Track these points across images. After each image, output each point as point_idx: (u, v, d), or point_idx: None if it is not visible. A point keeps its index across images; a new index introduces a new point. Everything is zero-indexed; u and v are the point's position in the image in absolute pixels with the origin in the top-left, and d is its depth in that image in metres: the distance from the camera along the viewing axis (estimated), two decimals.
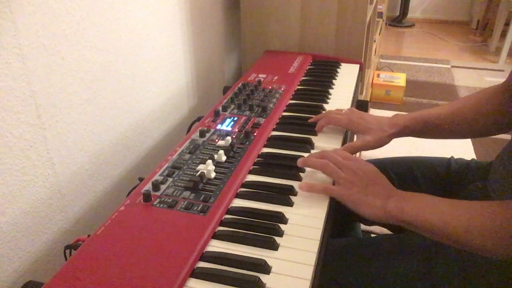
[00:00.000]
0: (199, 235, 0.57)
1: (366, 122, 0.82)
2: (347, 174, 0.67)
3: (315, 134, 0.86)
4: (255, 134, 0.82)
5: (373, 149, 0.81)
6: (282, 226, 0.60)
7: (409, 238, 0.73)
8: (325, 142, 0.83)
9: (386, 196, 0.64)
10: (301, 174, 0.72)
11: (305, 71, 1.18)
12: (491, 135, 0.82)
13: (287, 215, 0.62)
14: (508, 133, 0.80)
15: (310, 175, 0.73)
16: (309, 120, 0.89)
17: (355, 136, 0.88)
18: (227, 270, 0.53)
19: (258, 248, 0.56)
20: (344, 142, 0.84)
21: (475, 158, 0.95)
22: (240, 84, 1.05)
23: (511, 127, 0.79)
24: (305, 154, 0.78)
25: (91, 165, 0.82)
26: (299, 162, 0.72)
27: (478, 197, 0.78)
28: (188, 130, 0.97)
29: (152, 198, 0.64)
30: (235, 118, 0.88)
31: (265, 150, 0.80)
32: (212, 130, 0.84)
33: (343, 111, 0.87)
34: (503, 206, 0.57)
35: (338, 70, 1.20)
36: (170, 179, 0.68)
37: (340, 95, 1.05)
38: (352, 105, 1.02)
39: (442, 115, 0.82)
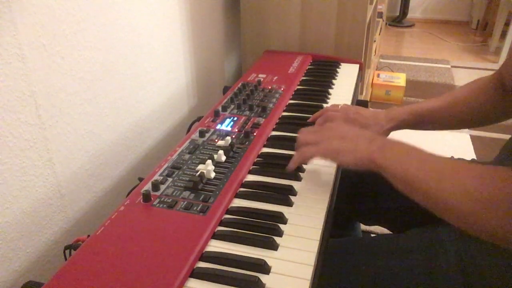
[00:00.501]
0: (199, 235, 0.57)
1: (363, 117, 0.82)
2: (324, 133, 0.67)
3: None
4: (254, 134, 0.82)
5: None
6: (282, 226, 0.60)
7: (409, 238, 0.73)
8: None
9: (368, 141, 0.62)
10: (300, 174, 0.72)
11: (305, 71, 1.18)
12: (486, 125, 0.83)
13: (287, 215, 0.62)
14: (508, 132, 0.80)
15: (310, 175, 0.73)
16: (308, 120, 0.89)
17: None
18: (226, 270, 0.53)
19: (258, 248, 0.56)
20: None
21: (475, 158, 0.95)
22: (240, 84, 1.05)
23: (504, 118, 0.80)
24: None
25: (91, 165, 0.82)
26: (290, 167, 0.70)
27: None
28: (188, 130, 0.97)
29: (152, 198, 0.64)
30: (235, 118, 0.88)
31: (265, 150, 0.80)
32: (212, 130, 0.84)
33: (339, 107, 0.87)
34: (494, 169, 0.51)
35: (338, 70, 1.20)
36: (170, 179, 0.68)
37: (340, 95, 1.05)
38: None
39: (437, 108, 0.82)
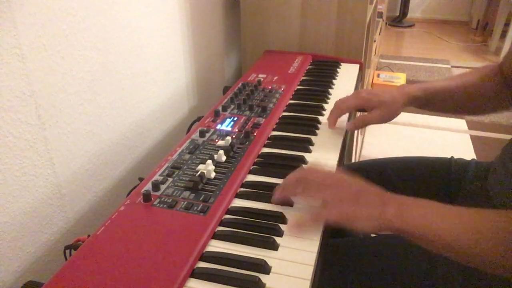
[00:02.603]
0: (199, 235, 0.57)
1: (376, 96, 0.82)
2: (332, 191, 0.60)
3: (315, 134, 0.86)
4: (255, 134, 0.82)
5: (385, 122, 0.81)
6: (282, 226, 0.60)
7: None
8: (325, 142, 0.83)
9: (382, 204, 0.58)
10: None
11: (305, 71, 1.18)
12: (489, 113, 0.85)
13: (287, 215, 0.62)
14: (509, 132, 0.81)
15: None
16: (329, 126, 0.87)
17: (357, 114, 0.87)
18: (227, 270, 0.53)
19: (258, 248, 0.56)
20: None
21: (475, 158, 0.95)
22: (240, 84, 1.05)
23: (507, 108, 0.81)
24: (305, 154, 0.78)
25: (91, 165, 0.82)
26: (276, 195, 0.64)
27: (478, 197, 0.78)
28: (188, 130, 0.97)
29: (152, 198, 0.64)
30: (235, 118, 0.88)
31: (265, 150, 0.80)
32: (212, 130, 0.84)
33: (348, 97, 0.87)
34: None
35: (338, 70, 1.20)
36: (170, 179, 0.68)
37: (340, 95, 1.04)
38: None
39: (448, 88, 0.83)
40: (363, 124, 0.81)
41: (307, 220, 0.60)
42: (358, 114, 0.85)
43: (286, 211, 0.63)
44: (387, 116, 0.80)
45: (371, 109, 0.82)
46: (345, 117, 0.88)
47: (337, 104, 0.85)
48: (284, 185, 0.64)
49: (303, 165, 0.71)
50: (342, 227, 0.59)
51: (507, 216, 0.53)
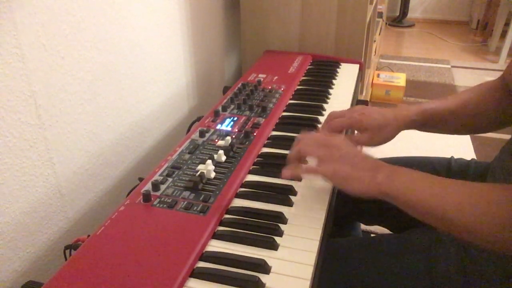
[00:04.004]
0: (199, 235, 0.57)
1: (370, 119, 0.78)
2: (329, 151, 0.63)
3: None
4: (254, 134, 0.82)
5: (377, 145, 0.78)
6: (282, 226, 0.60)
7: (409, 238, 0.73)
8: None
9: (374, 169, 0.60)
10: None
11: (305, 71, 1.18)
12: (493, 131, 0.81)
13: (287, 215, 0.62)
14: (509, 132, 0.80)
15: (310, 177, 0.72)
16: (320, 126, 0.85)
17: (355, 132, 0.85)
18: (227, 270, 0.53)
19: (258, 248, 0.56)
20: (346, 130, 0.83)
21: (475, 158, 0.95)
22: (240, 84, 1.05)
23: (507, 124, 0.78)
24: None
25: (91, 165, 0.82)
26: (283, 173, 0.66)
27: None
28: (188, 130, 0.97)
29: (152, 198, 0.64)
30: (235, 118, 0.88)
31: (265, 150, 0.80)
32: (212, 130, 0.84)
33: (343, 111, 0.84)
34: (507, 189, 0.52)
35: (338, 70, 1.20)
36: (170, 179, 0.68)
37: (340, 95, 1.05)
38: (352, 105, 1.02)
39: (447, 109, 0.80)
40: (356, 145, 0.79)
41: (302, 169, 0.64)
42: (356, 132, 0.83)
43: (287, 211, 0.63)
44: (376, 140, 0.77)
45: (363, 131, 0.79)
46: None
47: (329, 122, 0.80)
48: (289, 158, 0.68)
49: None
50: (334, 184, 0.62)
51: (494, 189, 0.54)
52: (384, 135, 0.77)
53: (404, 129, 0.80)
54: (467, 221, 0.52)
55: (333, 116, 0.82)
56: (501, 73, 0.80)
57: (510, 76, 0.75)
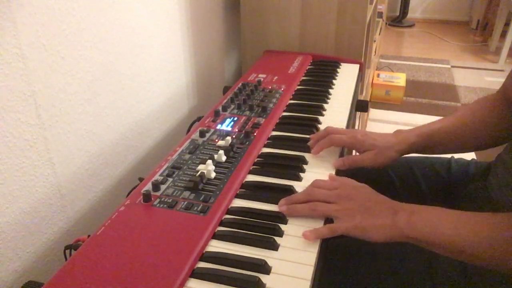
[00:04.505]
0: (199, 235, 0.57)
1: (371, 139, 0.78)
2: (342, 205, 0.62)
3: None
4: (255, 134, 0.82)
5: (378, 167, 0.77)
6: (282, 226, 0.60)
7: None
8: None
9: (393, 213, 0.60)
10: (301, 174, 0.72)
11: (305, 71, 1.18)
12: (497, 145, 0.79)
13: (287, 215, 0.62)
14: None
15: (311, 175, 0.72)
16: (309, 143, 0.81)
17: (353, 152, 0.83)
18: (227, 270, 0.53)
19: (258, 248, 0.56)
20: (343, 149, 0.83)
21: (475, 158, 0.95)
22: (240, 84, 1.05)
23: (510, 138, 0.76)
24: (305, 154, 0.78)
25: (91, 165, 0.82)
26: (283, 211, 0.63)
27: (478, 197, 0.78)
28: (188, 130, 0.97)
29: (152, 198, 0.64)
30: (235, 118, 0.88)
31: (265, 150, 0.80)
32: (212, 130, 0.84)
33: (343, 129, 0.83)
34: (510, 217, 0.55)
35: (338, 70, 1.20)
36: (170, 179, 0.68)
37: (340, 95, 1.05)
38: (352, 105, 1.02)
39: (446, 128, 0.79)
40: (353, 165, 0.77)
41: (324, 231, 0.60)
42: (354, 153, 0.81)
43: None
44: (379, 162, 0.76)
45: (363, 151, 0.79)
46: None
47: (330, 136, 0.79)
48: (293, 202, 0.64)
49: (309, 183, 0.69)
50: (354, 237, 0.61)
51: (501, 219, 0.56)
52: (386, 157, 0.76)
53: (406, 153, 0.79)
54: (485, 253, 0.55)
55: (330, 131, 0.80)
56: (501, 72, 0.80)
57: (511, 91, 0.74)
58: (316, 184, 0.68)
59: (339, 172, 0.76)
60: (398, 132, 0.81)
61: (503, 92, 0.77)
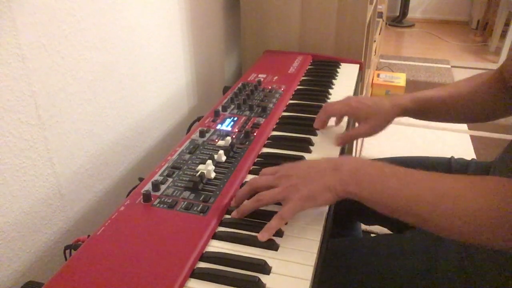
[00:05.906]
0: (199, 235, 0.57)
1: (365, 106, 0.80)
2: (284, 183, 0.60)
3: (315, 134, 0.86)
4: (255, 134, 0.82)
5: (374, 134, 0.79)
6: (283, 227, 0.60)
7: (409, 238, 0.73)
8: (325, 142, 0.83)
9: (334, 168, 0.58)
10: None
11: (305, 71, 1.18)
12: (488, 121, 0.82)
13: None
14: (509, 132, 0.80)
15: None
16: (314, 125, 0.85)
17: (356, 124, 0.85)
18: (227, 271, 0.53)
19: (258, 248, 0.56)
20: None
21: (475, 158, 0.95)
22: (240, 84, 1.05)
23: (505, 114, 0.79)
24: (305, 154, 0.78)
25: (91, 165, 0.82)
26: (234, 216, 0.61)
27: None
28: (188, 130, 0.97)
29: (152, 198, 0.64)
30: (235, 118, 0.88)
31: (265, 150, 0.80)
32: (212, 130, 0.84)
33: (338, 100, 0.86)
34: (499, 182, 0.50)
35: (338, 70, 1.20)
36: (170, 179, 0.68)
37: (340, 95, 1.04)
38: None
39: (441, 97, 0.81)
40: (351, 139, 0.78)
41: (273, 224, 0.58)
42: (357, 124, 0.84)
43: None
44: (376, 129, 0.78)
45: (359, 120, 0.80)
46: (339, 128, 0.87)
47: (324, 106, 0.84)
48: (238, 201, 0.63)
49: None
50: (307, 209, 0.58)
51: (454, 177, 0.53)
52: (382, 122, 0.79)
53: (399, 116, 0.81)
54: (444, 219, 0.51)
55: (327, 105, 0.84)
56: None
57: (508, 72, 0.75)
58: (259, 174, 0.66)
59: None
60: (393, 97, 0.82)
61: (500, 72, 0.79)
